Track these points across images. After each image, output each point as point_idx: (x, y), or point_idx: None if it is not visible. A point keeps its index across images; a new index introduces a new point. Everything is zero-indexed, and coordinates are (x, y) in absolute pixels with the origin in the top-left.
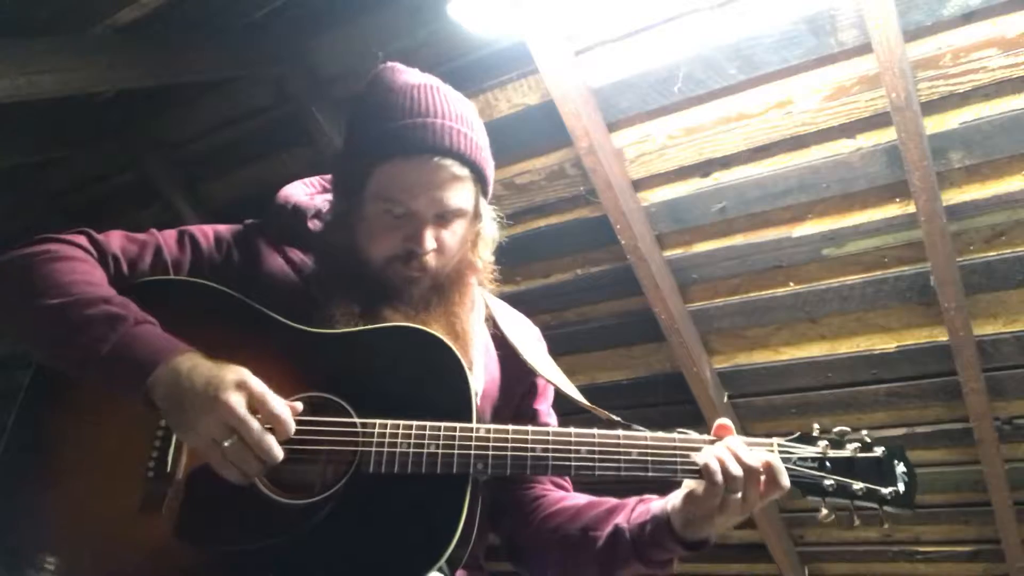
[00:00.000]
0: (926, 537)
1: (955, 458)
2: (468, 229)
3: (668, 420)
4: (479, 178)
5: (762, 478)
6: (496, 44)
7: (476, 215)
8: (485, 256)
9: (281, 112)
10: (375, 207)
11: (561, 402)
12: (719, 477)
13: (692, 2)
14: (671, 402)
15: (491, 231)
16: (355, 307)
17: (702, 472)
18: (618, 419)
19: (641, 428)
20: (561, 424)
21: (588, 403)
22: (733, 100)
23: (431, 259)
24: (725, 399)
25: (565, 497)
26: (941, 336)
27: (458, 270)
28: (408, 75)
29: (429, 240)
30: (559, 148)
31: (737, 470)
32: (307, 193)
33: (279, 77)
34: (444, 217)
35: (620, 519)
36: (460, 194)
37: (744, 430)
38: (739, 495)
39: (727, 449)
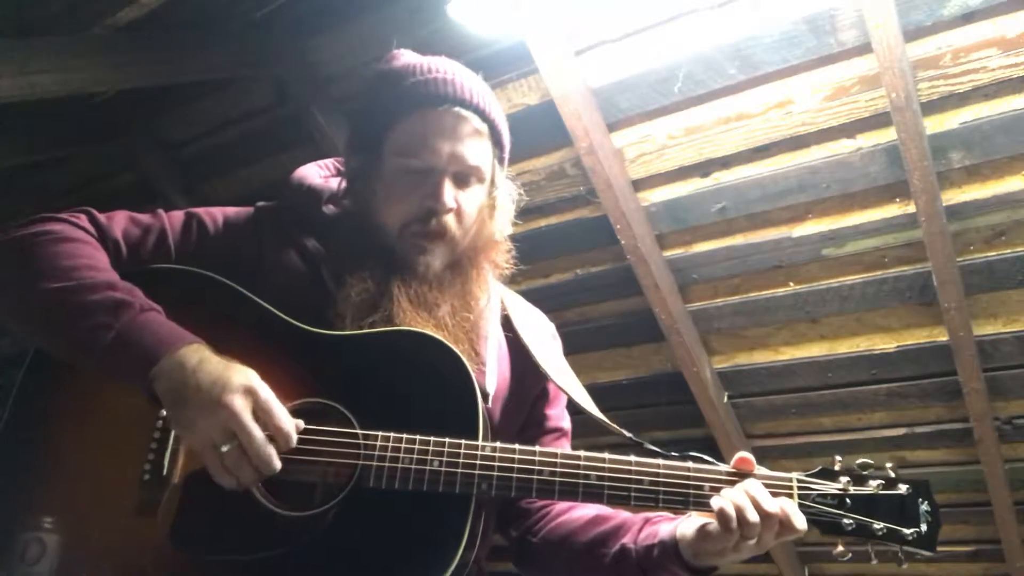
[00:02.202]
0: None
1: (955, 458)
2: (486, 196)
3: (668, 420)
4: (496, 141)
5: (778, 524)
6: (496, 44)
7: (493, 183)
8: (502, 228)
9: (281, 112)
10: (393, 164)
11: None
12: (735, 524)
13: (692, 2)
14: (671, 402)
15: (508, 204)
16: (369, 281)
17: (716, 517)
18: (630, 435)
19: (653, 447)
20: (574, 420)
21: (601, 416)
22: (733, 100)
23: (450, 221)
24: (725, 399)
25: (572, 507)
26: (941, 336)
27: (475, 245)
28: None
29: (448, 195)
30: (559, 148)
31: (754, 517)
32: (321, 176)
33: (279, 77)
34: (462, 176)
35: (627, 539)
36: (479, 151)
37: (744, 430)
38: (754, 540)
39: (746, 495)
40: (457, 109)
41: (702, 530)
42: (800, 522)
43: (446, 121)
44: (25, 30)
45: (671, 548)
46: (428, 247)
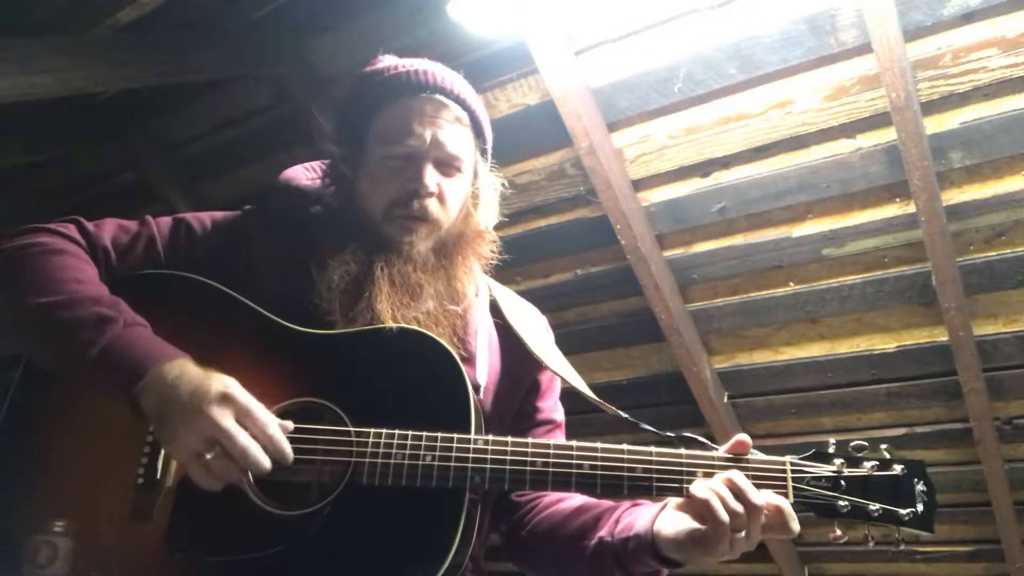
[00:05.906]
0: (926, 537)
1: (955, 458)
2: (468, 186)
3: (668, 420)
4: (478, 132)
5: (763, 517)
6: (496, 44)
7: (476, 174)
8: (487, 220)
9: (281, 112)
10: (376, 153)
11: (570, 399)
12: (723, 514)
13: (692, 2)
14: (671, 402)
15: (492, 196)
16: (351, 263)
17: (700, 507)
18: (625, 415)
19: (648, 427)
20: (568, 420)
21: (596, 397)
22: (733, 100)
23: (432, 205)
24: (725, 399)
25: (559, 499)
26: (941, 336)
27: (460, 234)
28: None
29: (430, 178)
30: (559, 148)
31: (737, 507)
32: (308, 178)
33: (279, 77)
34: (444, 163)
35: (604, 532)
36: (460, 138)
37: (744, 430)
38: (742, 533)
39: (726, 485)
40: (437, 96)
41: (690, 532)
42: (793, 522)
43: (426, 107)
44: (25, 30)
45: (646, 542)
46: (413, 228)
